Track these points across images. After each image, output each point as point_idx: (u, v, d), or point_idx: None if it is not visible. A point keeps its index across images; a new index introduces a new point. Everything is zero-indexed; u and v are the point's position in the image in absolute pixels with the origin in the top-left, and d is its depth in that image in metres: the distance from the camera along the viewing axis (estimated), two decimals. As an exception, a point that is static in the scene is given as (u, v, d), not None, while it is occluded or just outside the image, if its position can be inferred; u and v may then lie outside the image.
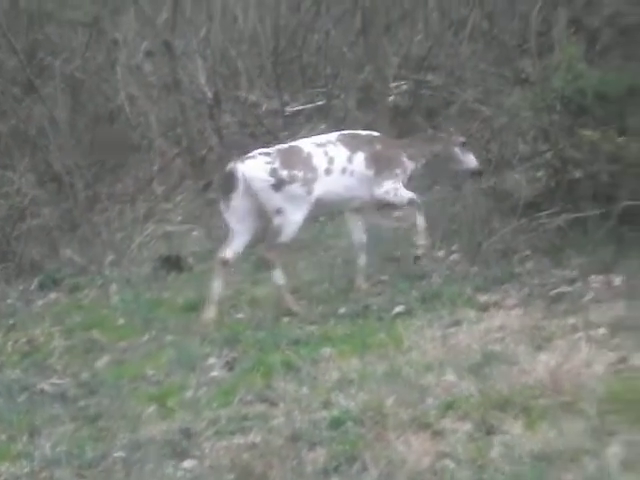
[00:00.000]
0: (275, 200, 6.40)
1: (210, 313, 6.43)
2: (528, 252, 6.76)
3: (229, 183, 6.46)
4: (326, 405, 4.87)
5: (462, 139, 7.02)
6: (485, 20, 10.20)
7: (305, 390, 5.07)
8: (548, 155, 7.23)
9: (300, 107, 10.09)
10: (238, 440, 4.63)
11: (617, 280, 6.03)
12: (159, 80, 11.04)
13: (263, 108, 10.17)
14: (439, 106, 9.05)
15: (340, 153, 6.62)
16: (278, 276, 6.51)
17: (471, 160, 6.99)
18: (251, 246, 6.74)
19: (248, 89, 10.33)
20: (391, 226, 7.42)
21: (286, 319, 6.35)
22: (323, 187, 6.53)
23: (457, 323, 5.75)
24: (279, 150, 6.61)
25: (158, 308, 6.98)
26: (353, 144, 6.68)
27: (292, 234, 6.47)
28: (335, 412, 4.74)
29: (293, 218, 6.43)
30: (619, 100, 6.58)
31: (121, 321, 6.82)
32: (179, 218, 9.65)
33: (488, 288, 6.30)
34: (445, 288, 6.35)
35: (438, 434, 4.42)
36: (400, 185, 6.73)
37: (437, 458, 4.22)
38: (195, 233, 9.14)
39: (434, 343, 5.42)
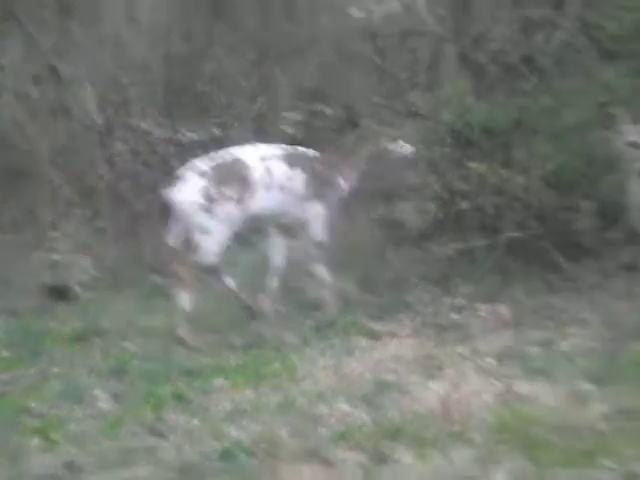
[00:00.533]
0: (202, 219, 6.35)
1: (259, 311, 6.50)
2: (419, 281, 6.88)
3: (165, 210, 6.45)
4: (217, 437, 4.84)
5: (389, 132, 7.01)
6: (377, 53, 10.38)
7: (196, 422, 5.02)
8: (437, 187, 7.38)
9: (194, 136, 10.06)
10: (124, 474, 4.54)
11: (503, 309, 6.18)
12: (47, 106, 10.84)
13: (156, 136, 10.10)
14: (333, 137, 9.16)
15: (280, 168, 6.57)
16: (184, 298, 6.49)
17: (406, 148, 6.92)
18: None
19: (140, 117, 10.24)
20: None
21: (178, 349, 6.29)
22: (259, 203, 6.47)
23: (350, 352, 5.80)
24: (217, 166, 6.49)
25: (45, 339, 6.81)
26: (292, 160, 6.65)
27: (209, 255, 6.36)
28: (226, 444, 4.70)
29: (215, 239, 6.37)
30: (504, 134, 6.78)
31: (5, 353, 6.64)
32: (67, 247, 9.47)
33: (381, 317, 6.38)
34: (339, 317, 6.40)
35: (330, 464, 4.44)
36: (326, 214, 6.70)
37: (329, 488, 4.24)
38: (83, 262, 8.98)
39: (327, 372, 5.45)
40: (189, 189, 6.41)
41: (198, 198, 6.38)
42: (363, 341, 5.95)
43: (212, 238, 6.37)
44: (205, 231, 6.37)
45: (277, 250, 6.80)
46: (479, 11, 8.65)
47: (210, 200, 6.38)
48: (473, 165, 6.64)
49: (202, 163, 6.58)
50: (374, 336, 6.06)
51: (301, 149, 6.92)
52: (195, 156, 9.76)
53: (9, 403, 5.63)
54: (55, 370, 6.13)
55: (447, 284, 6.70)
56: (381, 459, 4.44)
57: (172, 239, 6.47)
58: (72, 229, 9.77)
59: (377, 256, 7.05)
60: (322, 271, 6.65)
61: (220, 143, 9.45)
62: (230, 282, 6.53)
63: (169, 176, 7.79)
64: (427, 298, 6.58)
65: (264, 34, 9.53)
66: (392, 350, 5.72)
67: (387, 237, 7.39)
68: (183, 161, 9.57)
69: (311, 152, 6.90)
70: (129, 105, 10.30)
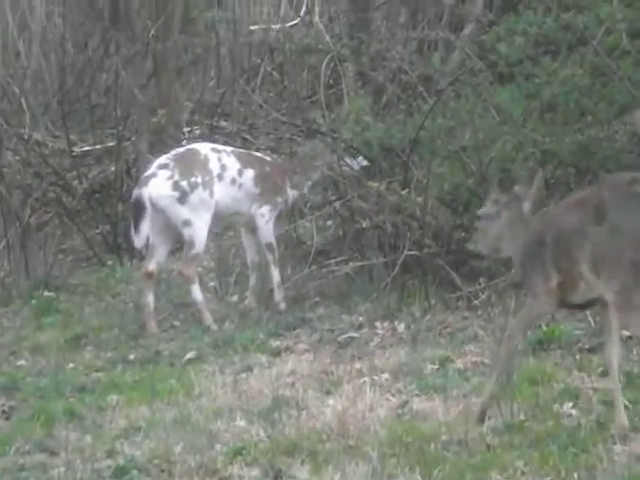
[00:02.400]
0: (181, 213, 6.63)
1: (152, 327, 6.59)
2: (318, 298, 6.92)
3: (138, 210, 6.62)
4: (111, 454, 4.77)
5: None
6: (276, 70, 10.41)
7: (89, 439, 4.95)
8: (337, 205, 7.44)
9: (89, 148, 9.90)
10: (14, 492, 4.46)
11: (400, 327, 6.26)
12: None
13: (49, 147, 9.90)
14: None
15: (232, 164, 6.86)
16: (196, 292, 6.68)
17: (358, 162, 7.11)
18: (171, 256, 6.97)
19: (32, 127, 10.02)
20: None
21: (71, 365, 6.19)
22: (218, 192, 6.75)
23: (249, 368, 5.80)
24: (176, 158, 6.77)
25: None
26: (245, 159, 6.96)
27: (203, 243, 6.70)
28: (120, 461, 4.64)
29: (200, 225, 6.65)
30: (403, 153, 6.87)
31: None
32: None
33: (280, 333, 6.40)
34: (238, 333, 6.39)
35: (226, 480, 4.42)
36: (274, 217, 6.96)
37: (223, 505, 4.22)
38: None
39: (225, 389, 5.43)
40: (159, 184, 6.64)
41: (170, 192, 6.63)
42: (262, 358, 5.95)
43: (195, 228, 6.63)
44: (186, 223, 6.62)
45: (251, 248, 7.03)
46: (378, 31, 8.78)
47: (181, 191, 6.62)
48: (373, 184, 6.71)
49: (162, 158, 6.84)
50: (273, 352, 6.06)
51: (253, 152, 7.32)
52: (89, 168, 9.69)
53: None
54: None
55: (346, 301, 6.75)
56: (277, 475, 4.43)
57: (139, 241, 6.61)
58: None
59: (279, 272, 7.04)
60: (275, 273, 6.88)
61: (116, 156, 9.37)
62: (198, 293, 6.70)
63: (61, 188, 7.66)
64: (326, 315, 6.61)
65: (161, 46, 9.46)
66: (291, 366, 5.73)
67: (288, 254, 7.42)
68: (77, 173, 9.49)
69: (263, 155, 7.24)
70: (21, 115, 10.08)
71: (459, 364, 5.61)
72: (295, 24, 10.40)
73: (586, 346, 5.60)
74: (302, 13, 10.63)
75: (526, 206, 4.80)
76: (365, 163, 7.10)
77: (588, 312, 5.71)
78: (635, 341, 5.38)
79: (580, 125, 6.51)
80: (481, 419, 4.74)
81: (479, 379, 5.34)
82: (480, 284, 6.53)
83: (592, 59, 6.38)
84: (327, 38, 9.01)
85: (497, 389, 4.87)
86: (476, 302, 6.43)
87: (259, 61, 10.34)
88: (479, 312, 6.35)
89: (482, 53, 7.09)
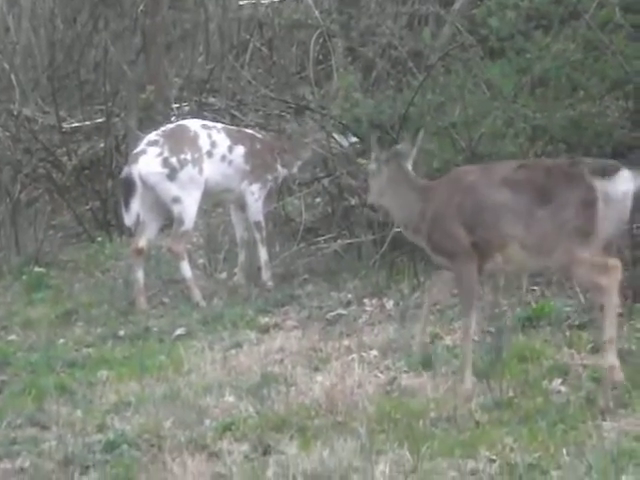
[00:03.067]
0: (171, 190, 6.64)
1: (141, 303, 6.61)
2: (307, 276, 6.93)
3: (128, 187, 6.63)
4: (101, 428, 4.80)
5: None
6: (265, 46, 10.36)
7: (79, 413, 4.97)
8: (326, 182, 7.42)
9: (78, 124, 9.86)
10: (6, 465, 4.49)
11: (389, 304, 6.27)
12: None
13: (39, 123, 9.86)
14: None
15: (222, 140, 6.88)
16: (186, 268, 6.70)
17: (347, 139, 7.13)
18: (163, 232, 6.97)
19: (22, 103, 9.98)
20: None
21: (61, 341, 6.20)
22: (207, 169, 6.77)
23: (238, 345, 5.81)
24: (165, 134, 6.77)
25: None
26: (236, 136, 6.97)
27: (192, 219, 6.72)
28: (110, 435, 4.67)
29: (190, 202, 6.68)
30: (392, 129, 6.85)
31: None
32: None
33: (269, 310, 6.41)
34: (227, 310, 6.40)
35: (215, 455, 4.44)
36: (263, 195, 6.98)
37: (213, 479, 4.22)
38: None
39: (214, 365, 5.45)
40: (149, 161, 6.65)
41: (160, 169, 6.63)
42: (251, 334, 5.96)
43: (184, 205, 6.66)
44: (176, 200, 6.64)
45: (240, 225, 7.06)
46: (367, 5, 8.73)
47: (171, 168, 6.63)
48: (362, 161, 6.70)
49: (151, 135, 6.83)
50: (262, 329, 6.08)
51: (243, 129, 7.31)
52: (78, 145, 9.65)
53: None
54: None
55: (334, 278, 6.76)
56: (266, 450, 4.46)
57: (129, 219, 6.63)
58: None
59: (267, 249, 7.04)
60: (263, 252, 6.90)
61: (106, 132, 9.34)
62: (187, 269, 6.71)
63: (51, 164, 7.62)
64: (314, 292, 6.62)
65: (150, 21, 9.41)
66: (279, 343, 5.75)
67: (276, 231, 7.42)
68: (67, 149, 9.45)
69: (253, 132, 7.24)
70: (10, 90, 10.03)
71: (448, 341, 5.63)
72: (284, -1, 10.34)
73: (576, 322, 5.62)
74: (292, -12, 10.56)
75: (407, 163, 5.06)
76: (354, 140, 7.09)
77: (578, 289, 5.73)
78: (625, 318, 5.40)
79: (572, 100, 6.48)
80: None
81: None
82: (469, 261, 6.53)
83: (584, 33, 6.34)
84: (316, 13, 8.96)
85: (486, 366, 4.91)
86: (465, 279, 6.42)
87: (248, 37, 10.29)
88: (468, 289, 6.35)
89: (473, 28, 7.06)
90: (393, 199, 5.06)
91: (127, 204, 6.62)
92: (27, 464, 4.45)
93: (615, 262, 4.57)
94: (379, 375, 5.21)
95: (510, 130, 6.44)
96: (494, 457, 4.21)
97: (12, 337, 6.38)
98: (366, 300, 6.35)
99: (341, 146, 7.13)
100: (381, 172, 5.08)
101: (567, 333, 5.50)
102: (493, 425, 4.52)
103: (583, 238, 4.57)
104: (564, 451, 4.17)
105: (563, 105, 6.48)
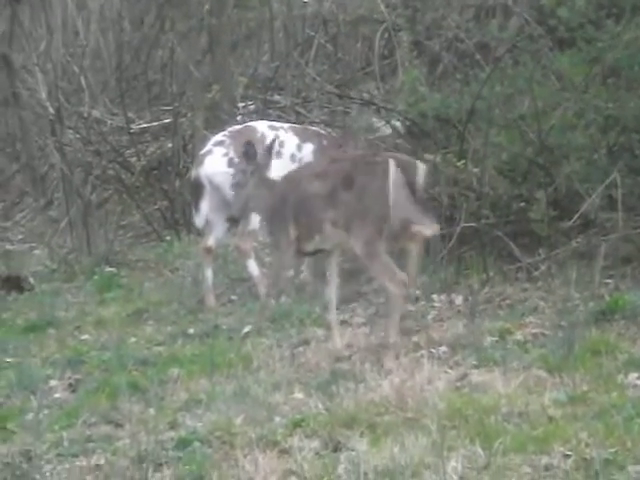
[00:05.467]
0: (237, 190, 6.61)
1: (210, 301, 6.68)
2: (374, 272, 6.88)
3: (197, 189, 6.73)
4: (173, 426, 4.83)
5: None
6: (330, 42, 10.36)
7: (152, 411, 5.00)
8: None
9: (146, 125, 9.98)
10: (81, 462, 4.53)
11: (458, 299, 6.21)
12: (-2, 94, 10.68)
13: (108, 125, 9.99)
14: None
15: (291, 139, 6.91)
16: (253, 267, 6.74)
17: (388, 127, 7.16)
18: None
19: (91, 105, 10.12)
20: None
21: (133, 339, 6.27)
22: (275, 169, 6.63)
23: (306, 342, 5.81)
24: (232, 135, 6.83)
25: (-3, 329, 6.75)
26: (303, 134, 7.02)
27: (256, 222, 6.70)
28: (182, 432, 4.70)
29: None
30: (459, 123, 6.79)
31: (-45, 344, 6.57)
32: (19, 237, 9.36)
33: (336, 307, 6.38)
34: (294, 307, 6.40)
35: (285, 452, 4.44)
36: None
37: (284, 476, 4.23)
38: (37, 252, 8.89)
39: (283, 362, 5.45)
40: (215, 161, 6.70)
41: (226, 168, 6.68)
42: (319, 331, 5.95)
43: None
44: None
45: None
46: (432, -1, 8.66)
47: (237, 169, 6.61)
48: (428, 156, 6.65)
49: (218, 135, 6.90)
50: (329, 326, 6.05)
51: (309, 126, 7.39)
52: (147, 145, 9.76)
53: (-37, 393, 5.56)
54: (9, 360, 6.07)
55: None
56: (336, 447, 4.44)
57: (200, 220, 6.72)
58: (25, 219, 9.67)
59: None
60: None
61: (173, 132, 9.42)
62: (254, 267, 6.75)
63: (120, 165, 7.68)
64: (381, 288, 6.56)
65: (216, 21, 9.47)
66: (347, 340, 5.72)
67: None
68: (135, 150, 9.56)
69: (319, 129, 7.30)
70: (80, 93, 10.18)
71: (519, 336, 5.56)
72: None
73: (650, 316, 5.51)
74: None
75: (267, 171, 5.79)
76: (397, 124, 7.06)
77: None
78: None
79: (645, 89, 6.36)
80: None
81: (539, 351, 5.29)
82: (540, 255, 6.45)
83: (657, 20, 6.22)
84: (382, 8, 8.92)
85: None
86: (536, 273, 6.36)
87: (313, 34, 10.29)
88: (539, 283, 6.28)
89: (541, 18, 6.96)
90: (259, 203, 5.81)
91: (197, 206, 6.69)
92: (102, 461, 4.50)
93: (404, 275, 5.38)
94: (449, 371, 5.17)
95: (581, 121, 6.36)
96: (569, 452, 4.15)
97: (85, 336, 6.46)
98: (434, 296, 6.31)
99: (384, 132, 7.10)
100: (248, 183, 5.82)
101: (641, 326, 5.41)
102: (567, 420, 4.45)
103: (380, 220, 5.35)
104: (641, 446, 4.09)
105: (636, 95, 6.36)
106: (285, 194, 5.64)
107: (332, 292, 5.68)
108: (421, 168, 5.43)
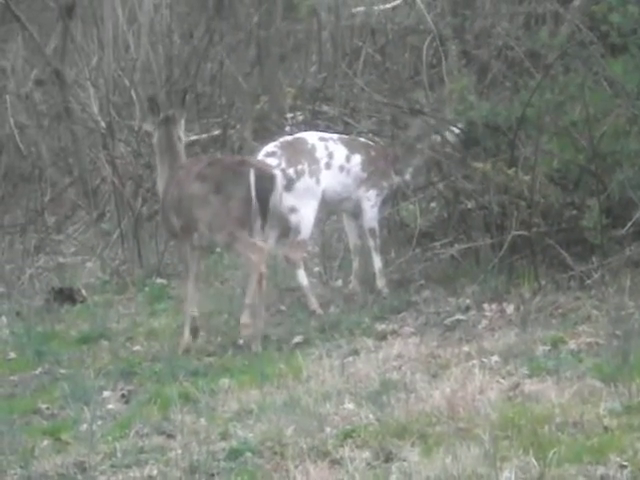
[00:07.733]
0: (287, 200, 6.71)
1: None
2: (423, 281, 6.87)
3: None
4: (224, 436, 4.84)
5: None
6: (378, 52, 10.35)
7: (203, 422, 5.02)
8: (441, 186, 7.35)
9: (195, 137, 10.04)
10: (134, 473, 4.57)
11: (509, 308, 6.16)
12: (50, 109, 10.83)
13: (158, 138, 10.07)
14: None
15: (340, 151, 6.96)
16: (302, 276, 6.77)
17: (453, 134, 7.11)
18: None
19: (142, 118, 10.21)
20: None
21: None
22: (325, 180, 6.86)
23: (355, 352, 5.81)
24: (283, 145, 6.91)
25: (51, 341, 6.82)
26: (352, 145, 7.06)
27: (309, 229, 6.82)
28: (234, 443, 4.71)
29: (307, 213, 6.78)
30: (509, 131, 6.74)
31: (12, 355, 6.65)
32: (72, 249, 9.47)
33: (386, 317, 6.38)
34: (343, 317, 6.41)
35: (337, 462, 4.43)
36: (379, 202, 7.02)
37: (336, 487, 4.23)
38: (89, 265, 8.98)
39: (333, 372, 5.44)
40: None
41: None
42: (368, 341, 5.95)
43: (301, 214, 6.76)
44: (293, 210, 6.74)
45: (353, 232, 7.10)
46: (482, 6, 8.62)
47: (288, 179, 6.73)
48: (478, 164, 6.61)
49: (269, 146, 6.95)
50: (379, 336, 6.05)
51: (357, 137, 7.42)
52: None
53: (19, 404, 5.66)
54: (62, 372, 6.15)
55: (452, 284, 6.68)
56: (387, 457, 4.42)
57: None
58: (77, 232, 9.78)
59: (382, 256, 7.02)
60: (377, 259, 6.91)
61: (222, 144, 9.48)
62: (303, 277, 6.78)
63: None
64: (431, 298, 6.56)
65: (264, 33, 9.51)
66: (397, 350, 5.71)
67: (391, 237, 7.39)
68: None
69: (367, 141, 7.33)
70: (131, 107, 10.28)
71: (572, 345, 5.50)
72: (397, 5, 10.30)
73: None
74: (404, -7, 10.52)
75: (177, 129, 5.98)
76: (458, 131, 7.01)
77: None
78: None
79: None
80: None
81: (593, 360, 5.23)
82: (593, 263, 6.38)
83: None
84: (429, 18, 8.89)
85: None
86: (589, 282, 6.28)
87: (361, 44, 10.29)
88: (592, 292, 6.20)
89: (593, 24, 6.90)
90: (159, 163, 6.08)
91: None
92: (155, 472, 4.53)
93: (263, 244, 6.06)
94: (501, 381, 5.12)
95: (634, 128, 6.28)
96: (625, 463, 4.10)
97: (137, 347, 6.51)
98: (485, 305, 6.26)
99: (449, 141, 7.05)
100: (153, 136, 6.02)
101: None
102: (623, 430, 4.39)
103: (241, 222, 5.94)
104: (699, 458, 4.02)
105: (691, 100, 6.26)
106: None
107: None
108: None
